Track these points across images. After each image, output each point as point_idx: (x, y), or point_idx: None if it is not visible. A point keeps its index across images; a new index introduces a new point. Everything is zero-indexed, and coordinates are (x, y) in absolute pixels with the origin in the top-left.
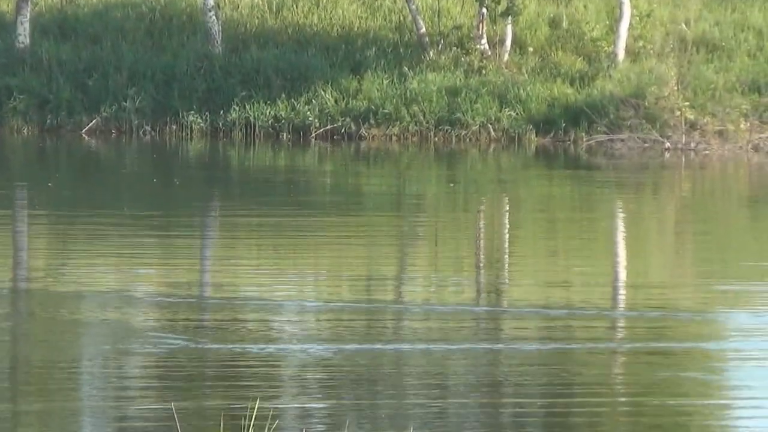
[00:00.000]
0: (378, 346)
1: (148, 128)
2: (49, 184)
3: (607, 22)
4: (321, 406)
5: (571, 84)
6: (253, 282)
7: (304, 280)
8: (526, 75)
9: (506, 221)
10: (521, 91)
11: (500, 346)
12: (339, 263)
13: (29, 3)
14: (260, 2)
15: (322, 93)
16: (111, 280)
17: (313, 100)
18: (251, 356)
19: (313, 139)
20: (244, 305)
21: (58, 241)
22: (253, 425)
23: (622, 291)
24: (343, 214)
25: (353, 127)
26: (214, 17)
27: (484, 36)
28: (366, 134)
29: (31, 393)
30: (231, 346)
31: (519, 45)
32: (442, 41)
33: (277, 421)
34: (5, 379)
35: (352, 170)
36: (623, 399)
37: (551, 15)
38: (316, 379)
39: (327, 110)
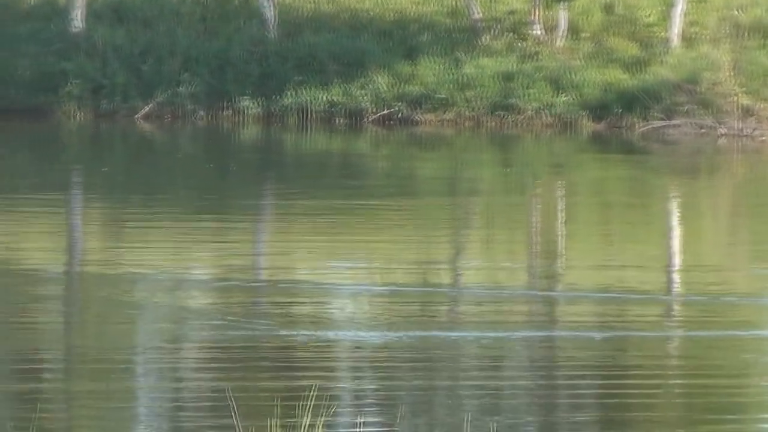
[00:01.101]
0: (433, 331)
1: (203, 113)
2: (104, 169)
3: (662, 8)
4: (376, 390)
5: (626, 69)
6: (308, 266)
7: (359, 264)
8: (580, 60)
9: (561, 205)
10: (575, 76)
11: (556, 330)
12: (394, 247)
13: None
14: None
15: (377, 78)
16: (166, 264)
17: (368, 85)
18: (306, 341)
19: (367, 124)
20: (299, 289)
21: (113, 224)
22: (310, 409)
23: (677, 275)
24: (398, 198)
25: (407, 112)
26: (268, 2)
27: (539, 21)
28: (420, 119)
29: (86, 373)
30: (286, 329)
31: (573, 30)
32: (496, 26)
33: (334, 406)
34: (61, 359)
35: (407, 155)
36: (678, 382)
37: (605, 1)
38: (371, 364)
39: (381, 95)
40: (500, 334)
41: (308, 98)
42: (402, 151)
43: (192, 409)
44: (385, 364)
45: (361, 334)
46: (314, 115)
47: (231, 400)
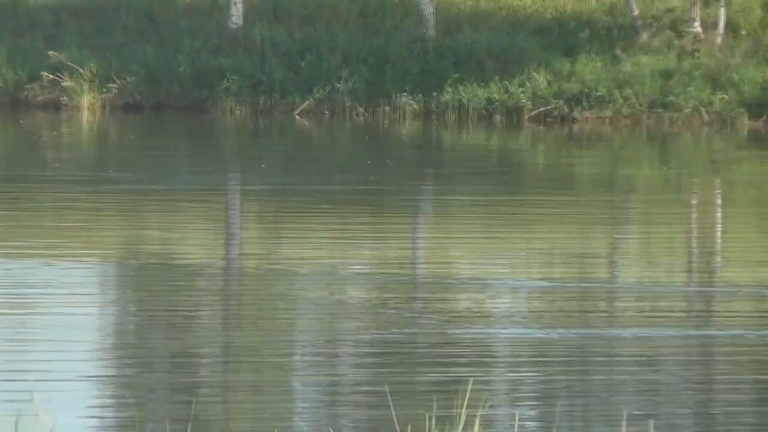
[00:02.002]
0: (590, 327)
1: (361, 110)
2: (263, 165)
3: None
4: (533, 385)
5: None
6: (466, 260)
7: (517, 259)
8: (739, 58)
9: (718, 202)
10: (734, 74)
11: (713, 327)
12: (551, 242)
13: None
14: None
15: (535, 75)
16: (323, 258)
17: (526, 83)
18: (463, 336)
19: (526, 122)
20: (457, 283)
21: (271, 219)
22: (467, 402)
23: None
24: (555, 194)
25: (566, 110)
26: None
27: (698, 19)
28: (578, 117)
29: (243, 366)
30: (443, 323)
31: (732, 28)
32: (655, 24)
33: (491, 400)
34: (219, 353)
35: (565, 152)
36: None
37: None
38: (528, 358)
39: (540, 93)
40: (657, 330)
41: (467, 95)
42: (560, 148)
43: (348, 402)
44: (542, 359)
45: (519, 329)
46: (473, 112)
47: (387, 394)
